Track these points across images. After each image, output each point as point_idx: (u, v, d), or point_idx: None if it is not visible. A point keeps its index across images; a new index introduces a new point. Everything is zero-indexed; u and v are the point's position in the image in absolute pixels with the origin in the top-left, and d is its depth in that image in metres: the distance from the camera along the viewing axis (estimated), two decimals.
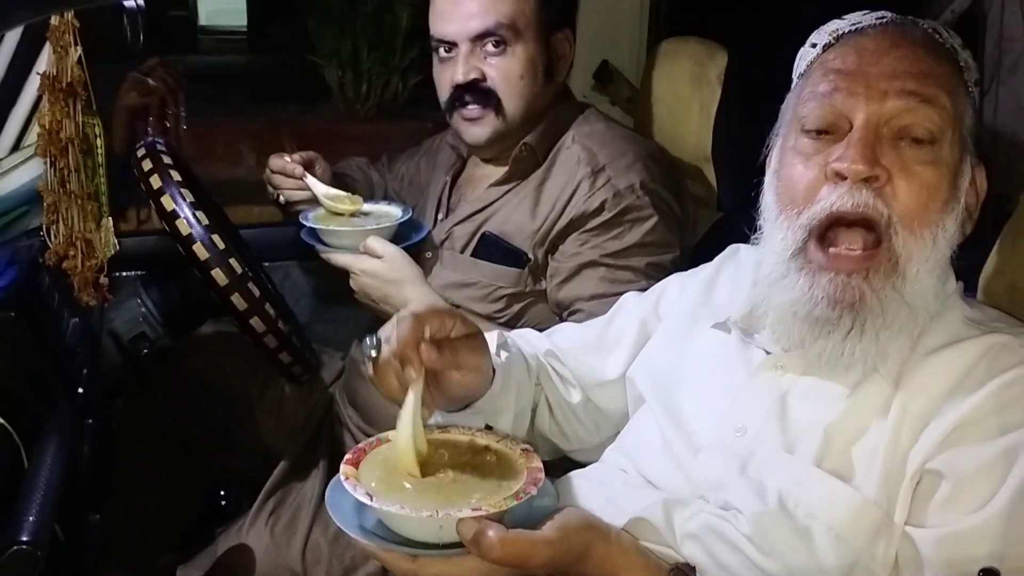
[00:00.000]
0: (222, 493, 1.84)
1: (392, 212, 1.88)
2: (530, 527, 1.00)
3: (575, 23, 1.85)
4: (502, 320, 1.80)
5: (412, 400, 1.07)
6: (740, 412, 1.20)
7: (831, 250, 1.09)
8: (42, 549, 1.01)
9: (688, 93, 1.97)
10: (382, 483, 1.04)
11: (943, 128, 1.09)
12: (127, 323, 1.76)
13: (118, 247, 1.42)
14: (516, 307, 1.81)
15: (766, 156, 1.23)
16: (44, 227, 1.38)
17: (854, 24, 1.17)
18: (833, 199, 1.08)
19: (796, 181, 1.14)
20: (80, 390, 1.49)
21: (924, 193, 1.08)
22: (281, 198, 1.92)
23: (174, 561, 1.79)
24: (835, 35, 1.18)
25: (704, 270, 1.42)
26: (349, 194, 1.88)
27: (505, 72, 1.79)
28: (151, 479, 1.97)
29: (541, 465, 1.08)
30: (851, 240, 1.09)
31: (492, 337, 1.30)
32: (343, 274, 1.81)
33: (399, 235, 1.83)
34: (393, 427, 1.13)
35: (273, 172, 1.93)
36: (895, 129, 1.10)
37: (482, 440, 1.14)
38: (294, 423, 2.06)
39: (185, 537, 1.91)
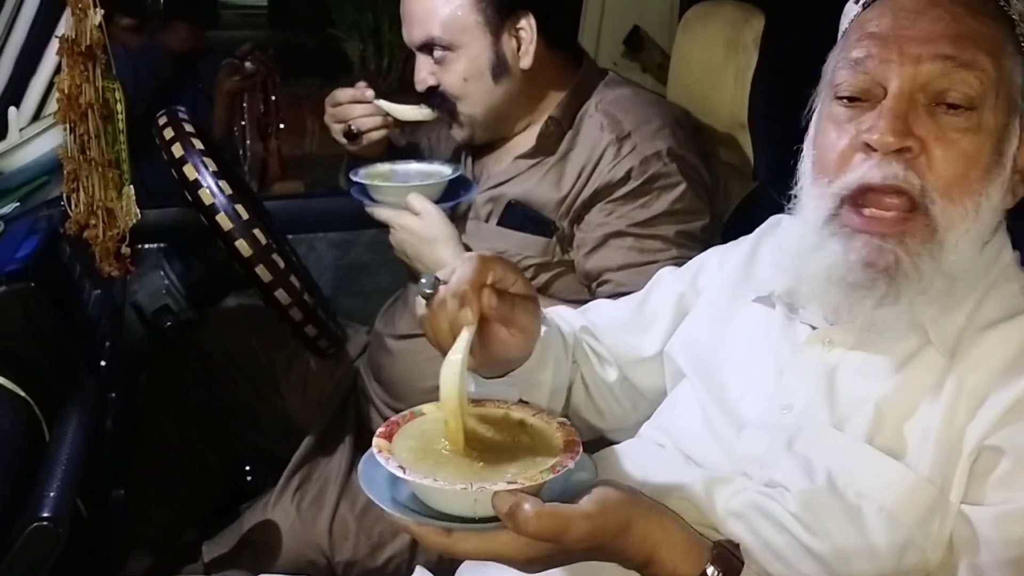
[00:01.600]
0: (247, 469, 1.81)
1: (442, 171, 1.85)
2: (567, 502, 0.96)
3: (536, 3, 1.75)
4: None
5: (464, 341, 1.03)
6: (786, 389, 1.15)
7: (866, 211, 1.04)
8: (63, 526, 0.98)
9: (722, 58, 1.91)
10: (416, 456, 1.00)
11: (983, 92, 1.03)
12: (150, 295, 1.73)
13: (140, 216, 1.38)
14: (544, 277, 1.77)
15: (807, 121, 1.18)
16: (64, 196, 1.34)
17: None
18: (863, 171, 1.03)
19: (829, 150, 1.09)
20: (103, 363, 1.46)
21: (963, 162, 1.03)
22: (353, 127, 1.89)
23: (199, 537, 1.76)
24: None
25: (744, 243, 1.37)
26: (418, 106, 1.86)
27: (450, 79, 1.76)
28: (175, 454, 1.95)
29: (578, 439, 1.03)
30: (885, 204, 1.04)
31: None
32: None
33: (448, 193, 1.81)
34: (418, 402, 1.10)
35: (339, 104, 1.90)
36: (931, 95, 1.04)
37: (517, 414, 1.10)
38: (319, 397, 2.04)
39: (210, 513, 1.88)
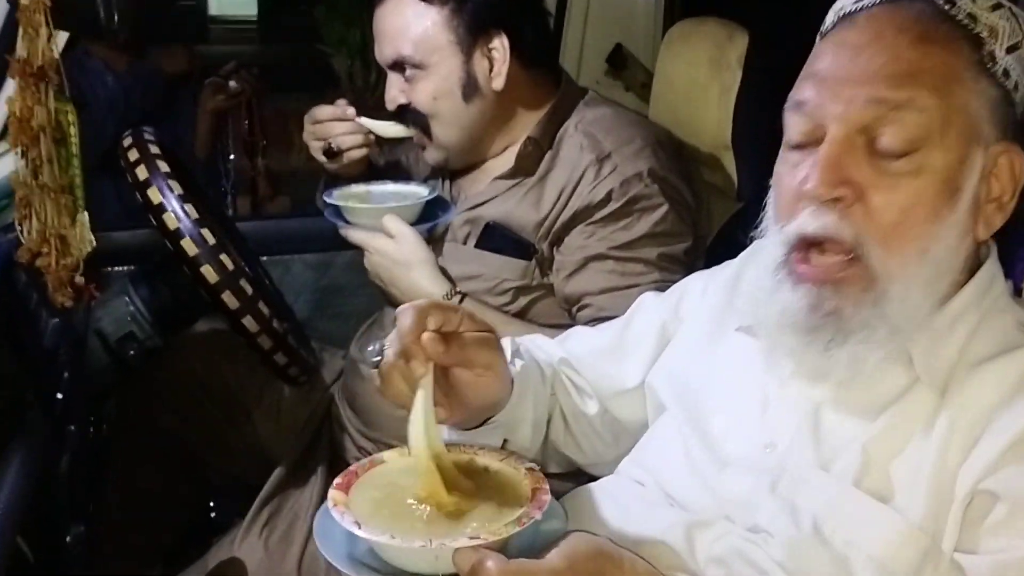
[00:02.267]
0: (212, 504, 1.74)
1: (418, 192, 1.82)
2: (536, 554, 0.90)
3: (510, 23, 1.71)
4: (509, 314, 1.71)
5: (422, 398, 0.98)
6: (769, 426, 1.10)
7: (811, 259, 1.01)
8: None
9: (706, 78, 1.86)
10: (376, 508, 0.95)
11: (926, 132, 0.97)
12: (114, 322, 1.66)
13: (95, 244, 1.32)
14: (523, 301, 1.72)
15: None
16: (16, 222, 1.28)
17: (856, 1, 1.05)
18: (800, 220, 1.00)
19: (782, 194, 1.05)
20: (59, 395, 1.39)
21: (901, 208, 0.98)
22: (333, 144, 1.84)
23: (163, 574, 1.69)
24: (838, 15, 1.08)
25: (727, 268, 1.32)
26: (402, 125, 1.82)
27: (420, 98, 1.73)
28: (145, 484, 1.88)
29: (547, 486, 0.98)
30: (824, 251, 1.01)
31: (505, 344, 1.21)
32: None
33: (425, 215, 1.77)
34: (395, 432, 1.07)
35: (319, 122, 1.85)
36: (869, 139, 0.99)
37: (483, 459, 1.05)
38: (293, 425, 1.97)
39: (175, 549, 1.81)
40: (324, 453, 1.87)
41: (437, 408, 1.02)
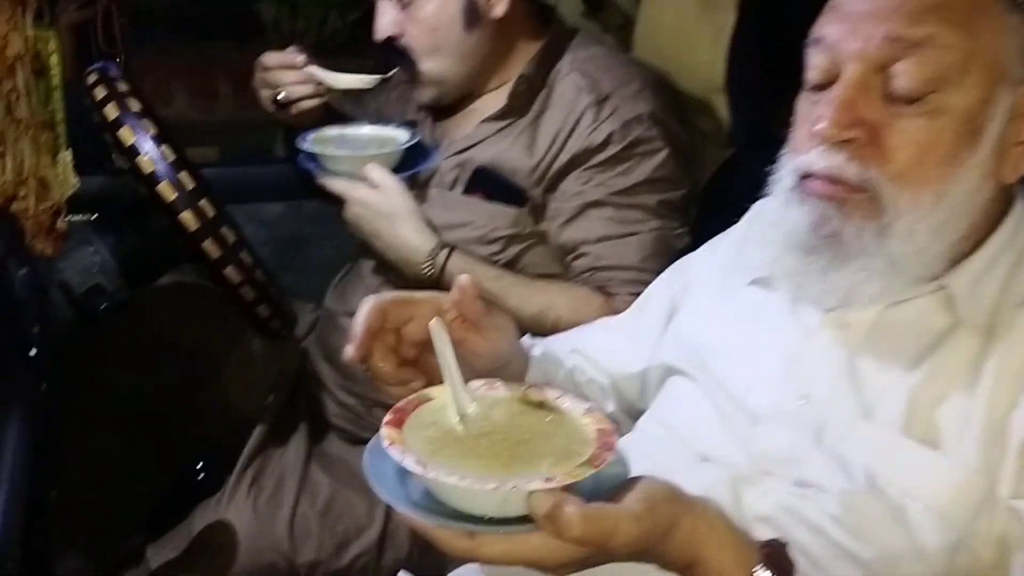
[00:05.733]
0: (199, 466, 1.64)
1: (398, 136, 1.71)
2: (598, 499, 0.83)
3: None
4: (499, 264, 1.65)
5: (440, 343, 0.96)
6: (803, 378, 1.05)
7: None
8: (11, 556, 0.82)
9: (695, 17, 1.80)
10: (433, 448, 0.87)
11: (945, 72, 0.94)
12: (80, 273, 1.54)
13: (78, 184, 1.20)
14: (513, 250, 1.65)
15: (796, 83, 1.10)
16: None
17: None
18: (810, 157, 0.99)
19: (797, 131, 1.04)
20: (32, 352, 1.28)
21: (917, 150, 0.96)
22: (281, 94, 1.71)
23: (144, 541, 1.60)
24: None
25: (733, 232, 1.29)
26: (361, 75, 1.71)
27: (418, 29, 1.63)
28: (109, 450, 1.75)
29: (610, 426, 0.90)
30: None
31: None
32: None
33: (407, 161, 1.68)
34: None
35: (268, 69, 1.72)
36: (886, 78, 0.96)
37: (536, 395, 0.97)
38: (265, 383, 1.86)
39: (157, 515, 1.70)
40: (303, 411, 1.79)
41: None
